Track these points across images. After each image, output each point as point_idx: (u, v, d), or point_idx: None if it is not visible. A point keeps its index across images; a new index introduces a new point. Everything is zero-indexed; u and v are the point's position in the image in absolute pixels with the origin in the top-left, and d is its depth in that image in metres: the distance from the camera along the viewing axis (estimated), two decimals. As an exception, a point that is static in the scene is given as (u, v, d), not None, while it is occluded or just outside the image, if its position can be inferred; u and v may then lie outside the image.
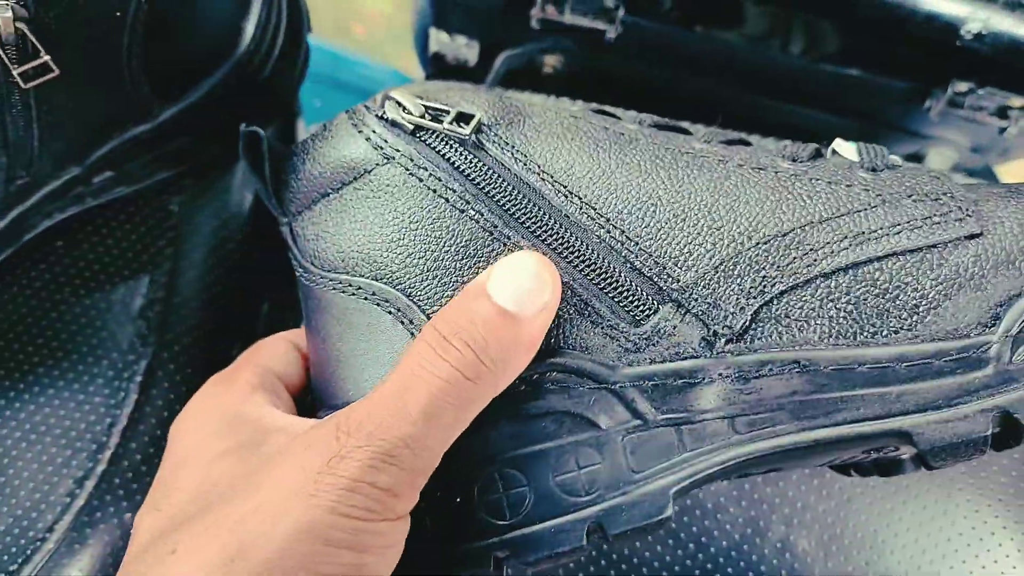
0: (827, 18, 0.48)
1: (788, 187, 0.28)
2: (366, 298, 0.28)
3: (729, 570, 0.39)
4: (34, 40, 0.30)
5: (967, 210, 0.28)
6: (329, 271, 0.29)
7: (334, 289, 0.29)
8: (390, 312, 0.28)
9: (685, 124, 0.32)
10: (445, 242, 0.28)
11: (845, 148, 0.31)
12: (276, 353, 0.33)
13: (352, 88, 0.76)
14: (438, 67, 0.56)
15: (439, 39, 0.54)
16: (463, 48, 0.54)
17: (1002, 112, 0.50)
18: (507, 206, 0.28)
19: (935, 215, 0.27)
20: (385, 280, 0.28)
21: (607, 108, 0.32)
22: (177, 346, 0.41)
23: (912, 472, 0.29)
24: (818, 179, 0.29)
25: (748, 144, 0.31)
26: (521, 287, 0.26)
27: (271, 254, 0.45)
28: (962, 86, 0.48)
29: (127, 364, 0.41)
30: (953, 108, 0.49)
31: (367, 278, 0.28)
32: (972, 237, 0.27)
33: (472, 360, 0.25)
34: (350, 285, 0.29)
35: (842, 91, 0.53)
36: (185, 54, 0.38)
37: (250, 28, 0.39)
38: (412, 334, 0.28)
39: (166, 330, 0.41)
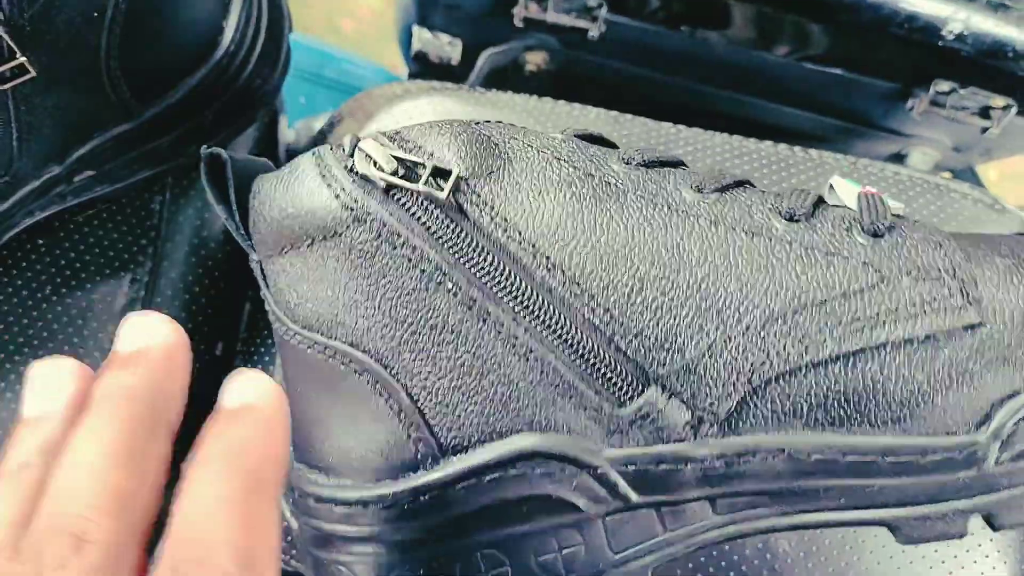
0: (810, 18, 0.48)
1: (782, 260, 0.27)
2: (344, 365, 0.27)
3: (711, 570, 0.39)
4: (10, 42, 0.30)
5: (968, 296, 0.26)
6: (305, 328, 0.28)
7: (311, 349, 0.27)
8: (368, 383, 0.27)
9: (679, 149, 0.31)
10: (422, 316, 0.26)
11: (843, 189, 0.29)
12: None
13: (336, 85, 0.75)
14: (421, 65, 0.56)
15: (422, 37, 0.54)
16: (446, 46, 0.54)
17: (984, 112, 0.50)
18: (485, 279, 0.26)
19: (934, 300, 0.26)
20: (362, 348, 0.27)
21: (594, 132, 0.30)
22: (159, 345, 0.41)
23: None
24: (814, 248, 0.27)
25: (745, 186, 0.29)
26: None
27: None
28: (944, 86, 0.48)
29: (109, 363, 0.41)
30: (935, 108, 0.49)
31: (344, 343, 0.27)
32: (970, 328, 0.26)
33: None
34: (327, 348, 0.27)
35: (826, 90, 0.53)
36: (165, 55, 0.37)
37: (230, 29, 0.38)
38: (391, 408, 0.27)
39: (148, 329, 0.42)
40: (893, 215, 0.28)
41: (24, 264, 0.42)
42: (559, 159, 0.28)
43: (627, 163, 0.29)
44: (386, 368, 0.27)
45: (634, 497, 0.26)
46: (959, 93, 0.49)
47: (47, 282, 0.42)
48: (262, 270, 0.29)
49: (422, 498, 0.26)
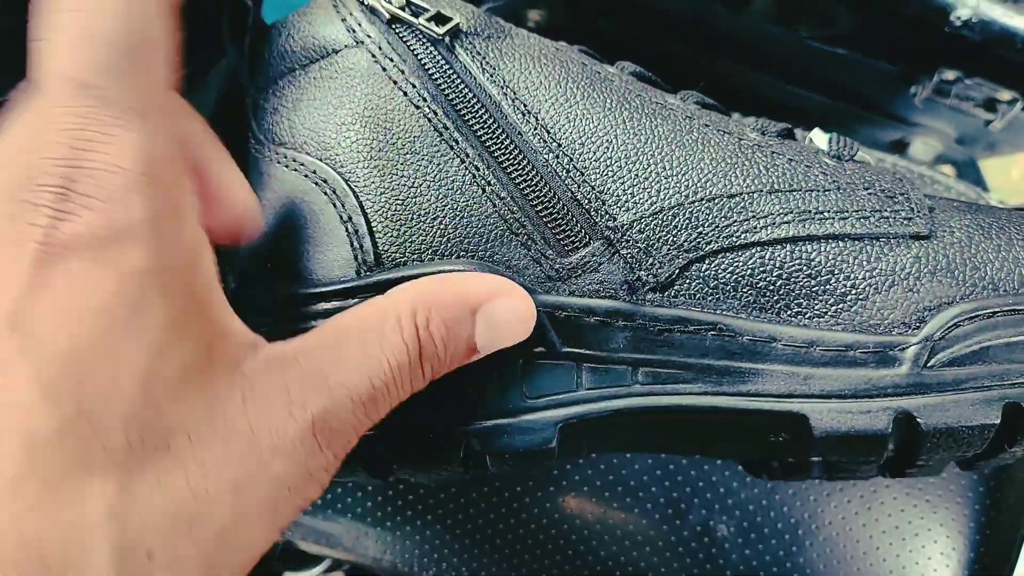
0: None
1: (748, 155, 0.27)
2: (306, 175, 0.28)
3: (647, 549, 0.38)
4: None
5: (919, 211, 0.27)
6: (278, 145, 0.29)
7: (278, 163, 0.29)
8: (325, 193, 0.28)
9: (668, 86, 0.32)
10: (394, 134, 0.27)
11: (819, 138, 0.30)
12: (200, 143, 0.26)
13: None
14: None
15: (416, -17, 0.53)
16: (441, -6, 0.53)
17: (990, 104, 0.48)
18: (463, 112, 0.27)
19: (886, 209, 0.27)
20: (328, 161, 0.28)
21: (595, 53, 0.31)
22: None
23: (819, 478, 0.29)
24: (780, 154, 0.28)
25: (724, 113, 0.30)
26: (501, 337, 0.25)
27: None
28: (949, 74, 0.47)
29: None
30: (939, 96, 0.48)
31: (312, 156, 0.28)
32: (918, 238, 0.26)
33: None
34: (294, 160, 0.28)
35: (830, 70, 0.52)
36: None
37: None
38: (341, 217, 0.27)
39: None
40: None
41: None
42: (558, 49, 0.30)
43: (622, 70, 0.30)
44: (346, 181, 0.28)
45: (558, 345, 0.27)
46: (964, 83, 0.47)
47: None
48: (254, 104, 0.31)
49: (350, 301, 0.27)
